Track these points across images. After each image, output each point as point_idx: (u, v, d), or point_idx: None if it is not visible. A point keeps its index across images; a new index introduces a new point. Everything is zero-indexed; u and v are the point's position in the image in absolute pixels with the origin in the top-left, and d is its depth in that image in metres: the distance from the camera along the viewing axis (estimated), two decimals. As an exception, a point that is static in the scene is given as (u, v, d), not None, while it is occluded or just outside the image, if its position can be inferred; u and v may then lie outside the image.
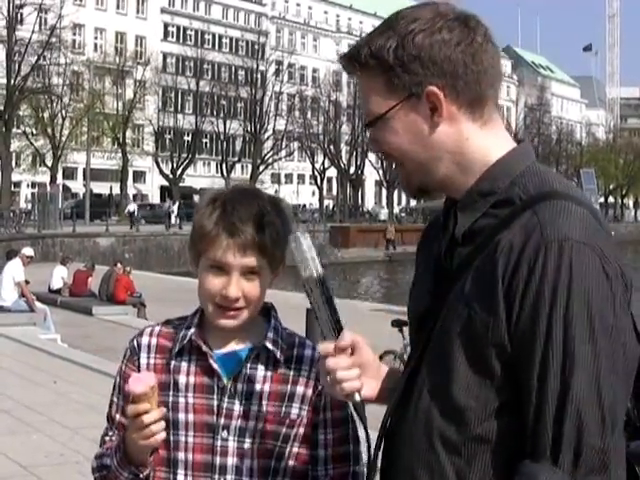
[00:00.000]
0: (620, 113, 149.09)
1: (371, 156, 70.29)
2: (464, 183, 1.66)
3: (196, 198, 56.63)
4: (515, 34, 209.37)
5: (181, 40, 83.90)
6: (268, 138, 72.14)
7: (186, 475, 1.99)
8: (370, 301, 28.34)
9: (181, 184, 68.29)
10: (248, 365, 2.00)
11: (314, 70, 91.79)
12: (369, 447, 1.73)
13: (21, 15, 53.96)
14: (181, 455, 1.99)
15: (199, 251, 1.98)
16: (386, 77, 1.64)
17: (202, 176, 76.45)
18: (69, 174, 68.95)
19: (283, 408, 2.00)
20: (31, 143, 56.46)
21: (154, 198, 75.68)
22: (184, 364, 2.02)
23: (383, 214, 74.13)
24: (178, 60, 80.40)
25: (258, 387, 2.00)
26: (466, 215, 1.65)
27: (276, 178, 79.82)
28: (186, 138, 71.53)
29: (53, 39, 53.80)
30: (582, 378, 1.47)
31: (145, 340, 2.07)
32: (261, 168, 70.83)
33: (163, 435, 1.90)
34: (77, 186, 67.89)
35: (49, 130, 55.62)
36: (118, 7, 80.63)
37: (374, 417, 1.79)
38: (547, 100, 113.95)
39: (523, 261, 1.51)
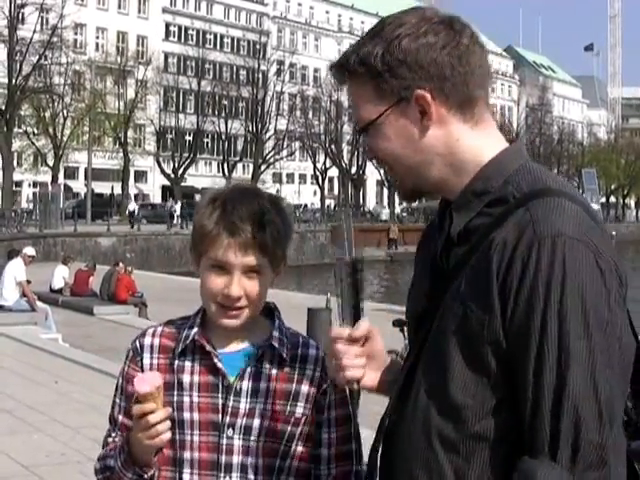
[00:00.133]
0: (622, 113, 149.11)
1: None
2: (458, 184, 1.67)
3: (197, 198, 56.61)
4: (517, 34, 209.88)
5: (183, 40, 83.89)
6: (269, 138, 72.18)
7: (192, 474, 1.99)
8: (371, 301, 28.34)
9: (182, 184, 68.32)
10: (254, 363, 2.01)
11: (315, 70, 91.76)
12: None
13: (22, 14, 53.95)
14: (187, 454, 1.99)
15: (200, 251, 1.98)
16: (375, 83, 1.66)
17: (203, 176, 76.47)
18: (70, 174, 68.94)
19: (288, 407, 2.01)
20: (32, 143, 56.47)
21: (155, 198, 75.69)
22: (188, 363, 2.02)
23: (384, 214, 74.07)
24: (180, 60, 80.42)
25: (264, 385, 2.00)
26: (461, 215, 1.66)
27: (277, 178, 79.81)
28: (187, 138, 71.59)
29: (54, 39, 53.85)
30: (578, 373, 1.47)
31: (148, 341, 2.07)
32: (262, 168, 70.87)
33: (168, 435, 1.90)
34: (78, 186, 67.90)
35: (50, 130, 55.63)
36: (120, 7, 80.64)
37: (378, 415, 1.79)
38: (549, 100, 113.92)
39: (517, 258, 1.52)
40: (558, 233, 1.51)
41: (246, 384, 1.99)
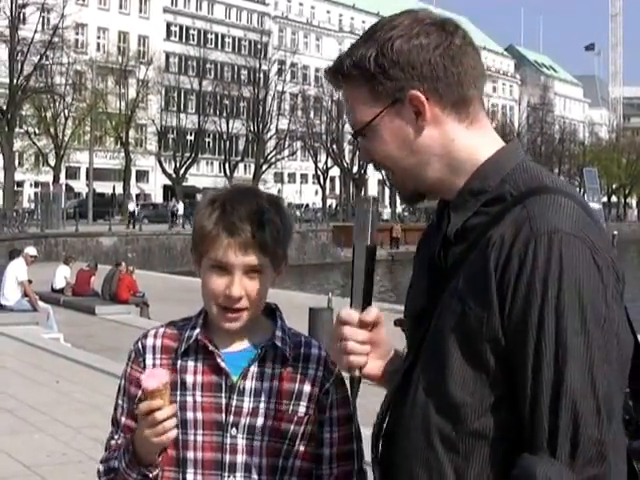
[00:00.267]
0: (623, 112, 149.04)
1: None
2: (455, 184, 1.68)
3: (199, 197, 56.60)
4: (518, 33, 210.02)
5: (184, 40, 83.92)
6: (271, 137, 72.18)
7: (195, 474, 1.98)
8: (372, 300, 28.29)
9: (184, 184, 68.33)
10: (257, 363, 2.01)
11: (317, 70, 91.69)
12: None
13: (24, 15, 53.96)
14: (190, 454, 1.98)
15: (201, 252, 1.98)
16: (369, 86, 1.67)
17: (205, 175, 76.53)
18: (72, 174, 68.98)
19: (291, 406, 2.01)
20: (34, 143, 56.49)
21: (157, 198, 75.76)
22: (191, 363, 2.02)
23: (386, 213, 74.06)
24: (181, 60, 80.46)
25: (267, 385, 2.00)
26: (458, 214, 1.67)
27: (279, 177, 79.85)
28: (189, 137, 71.57)
29: (56, 39, 53.79)
30: (575, 369, 1.48)
31: (150, 342, 2.07)
32: (264, 167, 70.89)
33: (175, 432, 1.90)
34: (80, 186, 67.93)
35: (52, 130, 55.65)
36: (121, 7, 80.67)
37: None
38: (550, 99, 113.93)
39: (514, 254, 1.53)
40: (555, 229, 1.52)
41: (249, 383, 1.99)
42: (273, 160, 71.78)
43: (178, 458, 1.99)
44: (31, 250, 16.96)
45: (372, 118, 1.68)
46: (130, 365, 2.08)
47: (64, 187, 53.31)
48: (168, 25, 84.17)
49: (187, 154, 68.65)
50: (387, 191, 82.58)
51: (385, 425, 1.74)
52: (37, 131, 56.96)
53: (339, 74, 1.72)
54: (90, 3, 76.64)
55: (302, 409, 2.01)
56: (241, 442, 1.98)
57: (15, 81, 50.56)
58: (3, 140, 48.86)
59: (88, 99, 59.34)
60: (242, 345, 2.03)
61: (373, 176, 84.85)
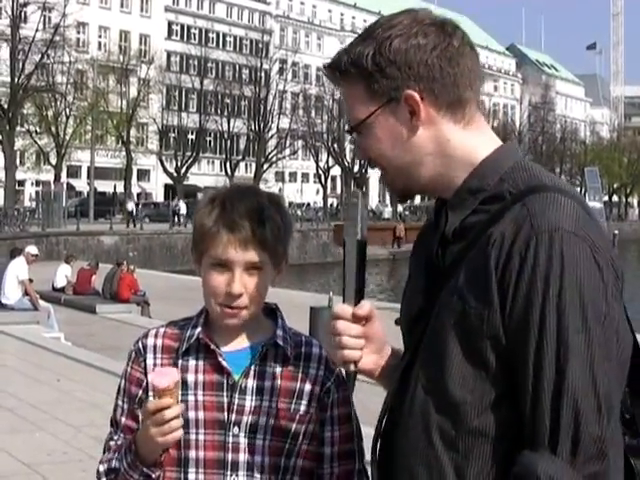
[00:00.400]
0: (624, 112, 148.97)
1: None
2: (452, 182, 1.69)
3: (200, 196, 56.60)
4: (519, 32, 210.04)
5: (185, 38, 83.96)
6: (272, 137, 72.15)
7: (197, 473, 1.98)
8: (374, 299, 28.36)
9: (185, 182, 68.32)
10: (258, 362, 2.01)
11: (318, 69, 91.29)
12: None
13: (25, 13, 54.02)
14: (192, 453, 1.98)
15: (201, 250, 1.98)
16: (366, 83, 1.68)
17: (206, 174, 76.52)
18: (73, 172, 69.05)
19: (293, 405, 2.01)
20: (35, 142, 56.48)
21: (158, 197, 75.78)
22: (192, 362, 2.01)
23: (387, 212, 74.09)
24: (182, 58, 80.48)
25: (268, 383, 2.00)
26: (456, 213, 1.67)
27: (280, 177, 79.85)
28: (190, 136, 71.54)
29: (57, 37, 53.75)
30: (577, 366, 1.48)
31: (150, 341, 2.07)
32: (265, 167, 70.88)
33: (180, 432, 1.89)
34: (81, 184, 68.00)
35: (53, 128, 55.64)
36: (122, 5, 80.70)
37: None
38: (551, 98, 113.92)
39: (515, 252, 1.53)
40: (555, 227, 1.52)
41: (251, 382, 1.99)
42: (274, 159, 71.75)
43: (180, 458, 1.98)
44: (32, 249, 16.96)
45: (367, 116, 1.69)
46: (130, 365, 2.08)
47: (65, 186, 53.44)
48: (169, 24, 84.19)
49: (188, 153, 68.62)
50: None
51: (383, 424, 1.74)
52: (38, 130, 56.93)
53: (337, 71, 1.72)
54: (91, 2, 76.65)
55: (303, 408, 2.01)
56: (243, 441, 1.97)
57: (16, 80, 50.55)
58: (4, 139, 48.87)
59: (89, 98, 59.34)
60: (243, 344, 2.03)
61: (374, 175, 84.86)
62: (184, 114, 71.65)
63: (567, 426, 1.48)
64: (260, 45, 79.49)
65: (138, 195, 68.12)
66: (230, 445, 1.97)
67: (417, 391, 1.65)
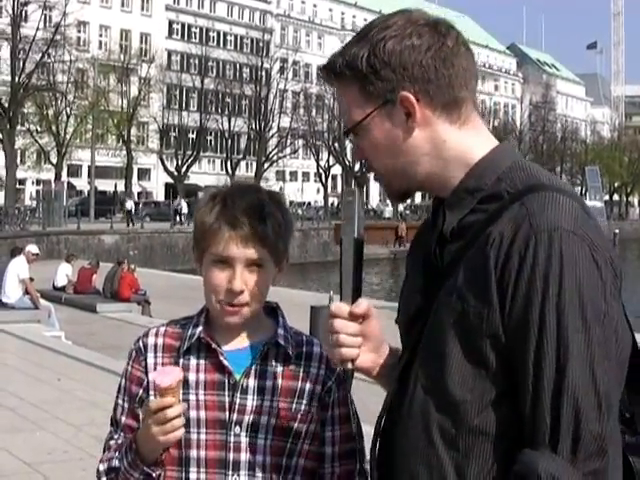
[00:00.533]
0: (625, 111, 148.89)
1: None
2: (449, 182, 1.69)
3: (201, 195, 56.45)
4: (520, 32, 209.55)
5: (186, 37, 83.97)
6: (273, 136, 72.17)
7: (199, 472, 1.97)
8: (374, 298, 28.36)
9: (186, 181, 68.34)
10: (259, 361, 2.00)
11: (319, 68, 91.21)
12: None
13: (25, 12, 53.99)
14: (193, 453, 1.98)
15: (202, 247, 1.98)
16: (361, 85, 1.68)
17: (207, 173, 76.50)
18: (74, 171, 69.04)
19: (294, 404, 2.01)
20: (36, 140, 56.48)
21: (159, 196, 75.76)
22: (193, 362, 2.01)
23: (388, 212, 74.06)
24: (183, 57, 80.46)
25: (270, 383, 2.00)
26: (454, 212, 1.67)
27: (281, 176, 79.87)
28: (191, 135, 71.56)
29: (58, 36, 53.77)
30: (577, 365, 1.49)
31: (151, 340, 2.06)
32: (266, 166, 70.90)
33: (182, 432, 1.89)
34: (82, 183, 67.96)
35: (54, 127, 55.65)
36: (123, 4, 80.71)
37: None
38: (552, 98, 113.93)
39: (514, 252, 1.53)
40: (554, 227, 1.52)
41: (252, 381, 1.99)
42: (275, 158, 71.75)
43: (181, 457, 1.98)
44: (33, 248, 16.95)
45: (363, 118, 1.69)
46: (131, 364, 2.07)
47: (66, 185, 53.35)
48: (170, 23, 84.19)
49: (189, 152, 68.65)
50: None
51: (382, 424, 1.74)
52: (39, 129, 56.96)
53: (332, 73, 1.72)
54: (92, 1, 76.63)
55: (304, 407, 2.01)
56: (245, 440, 1.97)
57: (17, 79, 50.55)
58: (5, 138, 48.86)
59: (90, 97, 59.35)
60: (244, 343, 2.03)
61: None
62: (185, 113, 71.66)
63: (567, 424, 1.48)
64: (261, 44, 79.44)
65: (139, 194, 68.09)
66: (231, 445, 1.97)
67: (417, 390, 1.64)
